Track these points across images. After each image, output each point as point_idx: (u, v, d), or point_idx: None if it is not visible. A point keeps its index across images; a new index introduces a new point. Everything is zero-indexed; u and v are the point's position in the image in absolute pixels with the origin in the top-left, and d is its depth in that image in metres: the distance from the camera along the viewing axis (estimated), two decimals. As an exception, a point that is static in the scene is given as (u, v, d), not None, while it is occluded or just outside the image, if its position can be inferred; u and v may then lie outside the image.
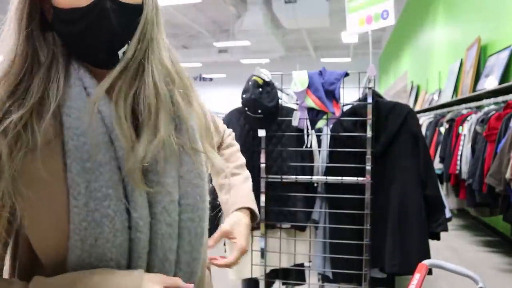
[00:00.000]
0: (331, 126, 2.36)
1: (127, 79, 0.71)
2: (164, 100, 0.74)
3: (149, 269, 0.71)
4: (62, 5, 0.68)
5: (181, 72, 0.80)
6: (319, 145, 2.39)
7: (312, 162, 2.36)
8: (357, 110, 2.31)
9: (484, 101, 4.02)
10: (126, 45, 0.71)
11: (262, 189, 2.31)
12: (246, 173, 1.18)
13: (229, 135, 1.24)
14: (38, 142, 0.65)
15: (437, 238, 2.36)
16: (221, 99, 13.38)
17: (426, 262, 0.76)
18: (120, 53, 0.70)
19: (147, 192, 0.71)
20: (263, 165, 2.32)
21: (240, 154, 1.23)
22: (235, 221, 1.05)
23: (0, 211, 0.64)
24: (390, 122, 2.25)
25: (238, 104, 2.25)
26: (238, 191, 1.10)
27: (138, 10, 0.72)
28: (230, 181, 1.11)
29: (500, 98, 3.67)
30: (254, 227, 1.63)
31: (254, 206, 1.09)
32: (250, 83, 2.17)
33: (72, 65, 0.73)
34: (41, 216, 0.66)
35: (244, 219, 1.06)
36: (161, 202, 0.72)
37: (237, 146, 1.24)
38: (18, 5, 0.69)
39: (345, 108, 2.40)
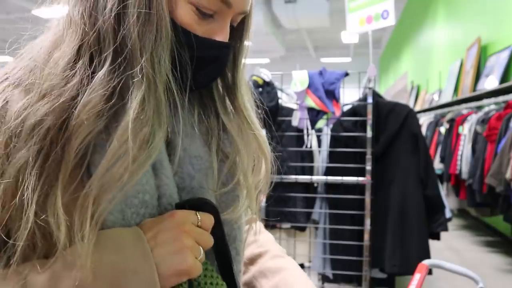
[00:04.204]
0: (331, 126, 2.36)
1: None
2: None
3: None
4: (185, 24, 0.55)
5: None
6: (319, 145, 2.39)
7: (312, 162, 2.36)
8: (357, 110, 2.31)
9: (484, 101, 4.01)
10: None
11: (262, 189, 2.31)
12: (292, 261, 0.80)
13: None
14: None
15: (437, 238, 2.37)
16: (221, 99, 13.31)
17: (426, 262, 0.76)
18: None
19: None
20: (263, 165, 2.32)
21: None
22: None
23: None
24: (390, 122, 2.25)
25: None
26: (292, 273, 0.74)
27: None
28: (277, 264, 0.76)
29: (501, 98, 3.67)
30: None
31: None
32: (250, 83, 2.17)
33: None
34: None
35: None
36: None
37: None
38: None
39: (345, 108, 2.40)
